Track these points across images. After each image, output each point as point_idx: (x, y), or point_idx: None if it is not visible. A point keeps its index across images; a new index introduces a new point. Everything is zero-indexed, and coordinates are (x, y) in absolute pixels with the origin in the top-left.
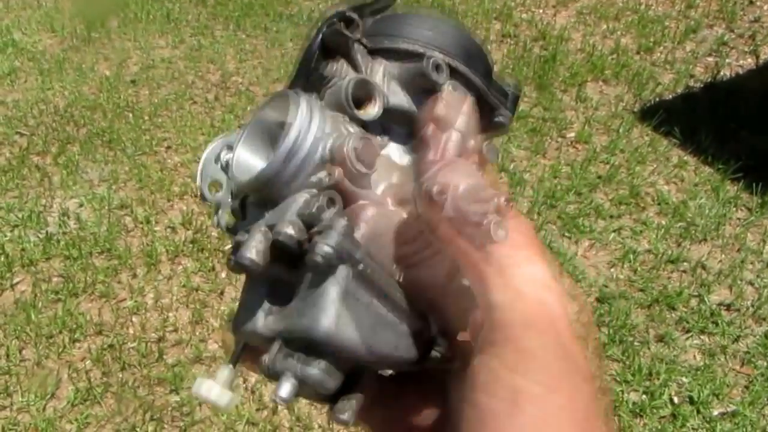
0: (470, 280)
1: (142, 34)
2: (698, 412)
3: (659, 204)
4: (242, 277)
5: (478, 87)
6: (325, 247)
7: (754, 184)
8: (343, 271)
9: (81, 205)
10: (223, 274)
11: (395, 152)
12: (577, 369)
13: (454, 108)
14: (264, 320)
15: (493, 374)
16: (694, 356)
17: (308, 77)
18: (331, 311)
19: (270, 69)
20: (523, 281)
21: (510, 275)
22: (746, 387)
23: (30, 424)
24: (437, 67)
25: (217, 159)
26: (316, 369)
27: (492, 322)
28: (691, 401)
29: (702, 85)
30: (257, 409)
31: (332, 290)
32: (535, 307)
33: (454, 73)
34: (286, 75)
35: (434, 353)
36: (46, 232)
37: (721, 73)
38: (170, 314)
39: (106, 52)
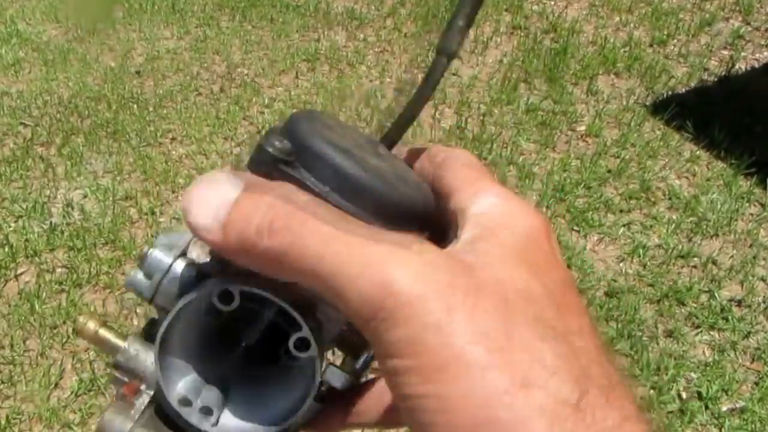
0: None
1: (147, 24)
2: (707, 407)
3: (670, 198)
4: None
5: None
6: None
7: (767, 180)
8: None
9: (85, 196)
10: None
11: None
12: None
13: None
14: None
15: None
16: (704, 352)
17: None
18: None
19: (276, 60)
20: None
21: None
22: (756, 383)
23: (34, 414)
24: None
25: None
26: None
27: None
28: (700, 397)
29: (716, 79)
30: None
31: None
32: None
33: None
34: (291, 66)
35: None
36: (50, 222)
37: (736, 67)
38: None
39: (110, 42)
